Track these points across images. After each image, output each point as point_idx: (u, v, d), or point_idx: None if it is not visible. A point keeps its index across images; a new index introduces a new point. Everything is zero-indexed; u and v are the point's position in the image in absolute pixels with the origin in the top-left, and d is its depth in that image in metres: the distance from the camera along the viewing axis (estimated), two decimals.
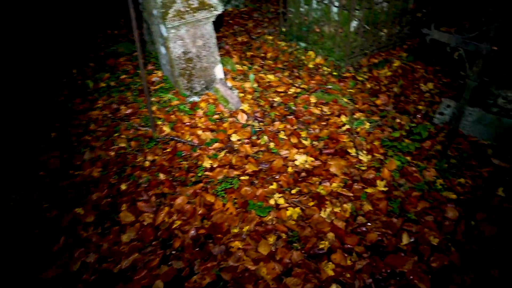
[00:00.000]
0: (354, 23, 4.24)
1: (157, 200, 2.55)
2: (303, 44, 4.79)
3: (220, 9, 3.27)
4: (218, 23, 5.85)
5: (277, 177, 2.72)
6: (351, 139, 3.02)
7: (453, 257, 2.07)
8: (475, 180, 2.61)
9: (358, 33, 4.15)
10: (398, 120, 3.37)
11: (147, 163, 2.85)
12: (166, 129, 3.16)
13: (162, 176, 2.72)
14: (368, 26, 4.23)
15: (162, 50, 3.52)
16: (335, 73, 4.21)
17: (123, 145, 3.03)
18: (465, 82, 2.35)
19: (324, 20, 4.38)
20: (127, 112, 3.43)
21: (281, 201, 2.49)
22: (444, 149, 2.63)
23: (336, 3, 4.12)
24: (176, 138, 3.08)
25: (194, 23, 3.22)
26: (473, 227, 2.23)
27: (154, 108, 3.39)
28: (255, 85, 3.91)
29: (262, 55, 4.84)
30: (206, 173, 2.76)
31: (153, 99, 3.51)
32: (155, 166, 2.83)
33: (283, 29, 5.07)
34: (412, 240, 2.19)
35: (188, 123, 3.25)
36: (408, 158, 2.77)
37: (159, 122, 3.24)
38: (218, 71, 3.59)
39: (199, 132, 3.15)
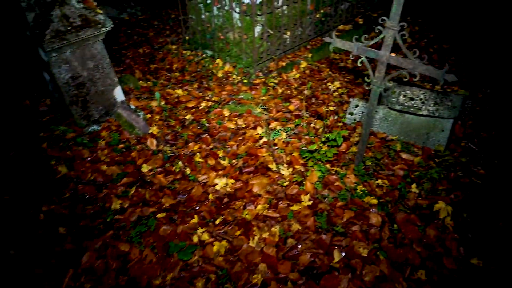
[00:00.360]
0: (258, 28, 4.13)
1: (57, 262, 2.12)
2: (209, 52, 4.56)
3: (108, 25, 2.87)
4: (115, 34, 5.32)
5: (197, 207, 2.47)
6: (270, 152, 2.89)
7: (382, 266, 2.05)
8: (391, 179, 2.67)
9: (263, 38, 4.06)
10: (312, 125, 3.35)
11: (41, 216, 2.38)
12: (62, 170, 2.69)
13: (61, 230, 2.29)
14: (272, 30, 4.16)
15: (46, 76, 3.00)
16: (245, 81, 4.07)
17: None
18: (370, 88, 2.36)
19: (227, 27, 4.20)
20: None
21: (205, 236, 2.26)
22: (360, 153, 2.64)
23: (237, 9, 3.96)
24: (75, 180, 2.63)
25: (80, 44, 2.78)
26: (396, 230, 2.26)
27: (44, 145, 2.87)
28: (163, 103, 3.58)
29: (168, 66, 4.50)
30: (117, 216, 2.39)
31: (41, 134, 2.98)
32: (51, 219, 2.38)
33: (187, 37, 4.77)
34: (343, 255, 2.13)
35: (89, 158, 2.82)
36: (328, 165, 2.74)
37: (53, 162, 2.75)
38: (118, 94, 3.18)
39: (104, 167, 2.74)
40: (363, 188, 2.51)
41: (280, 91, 3.96)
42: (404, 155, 2.98)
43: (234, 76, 4.14)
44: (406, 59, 2.10)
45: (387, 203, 2.43)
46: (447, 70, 1.97)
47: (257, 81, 4.09)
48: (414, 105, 2.94)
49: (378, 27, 2.13)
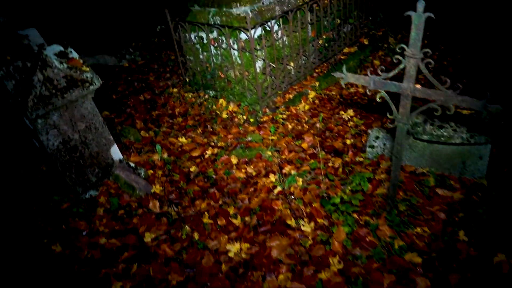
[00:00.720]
0: (259, 63, 3.87)
1: None
2: (212, 93, 4.31)
3: (97, 83, 2.63)
4: (115, 83, 5.15)
5: (209, 283, 2.10)
6: (287, 205, 2.53)
7: None
8: (430, 224, 2.27)
9: (265, 73, 3.78)
10: (330, 164, 2.99)
11: None
12: (57, 248, 2.38)
13: None
14: (274, 63, 3.89)
15: (36, 143, 2.75)
16: (252, 120, 3.76)
17: None
18: (395, 126, 2.01)
19: (227, 65, 3.94)
20: None
21: None
22: (391, 199, 2.26)
23: (235, 46, 3.71)
24: (71, 259, 2.31)
25: (67, 106, 2.53)
26: None
27: (39, 221, 2.58)
28: (165, 154, 3.29)
29: (170, 112, 4.25)
30: None
31: (34, 208, 2.70)
32: None
33: (187, 79, 4.54)
34: None
35: (85, 231, 2.50)
36: (355, 215, 2.35)
37: (46, 241, 2.44)
38: (115, 153, 2.90)
39: (102, 240, 2.42)
40: (401, 243, 2.11)
41: (290, 127, 3.63)
42: (440, 191, 2.57)
43: (240, 116, 3.85)
44: (436, 90, 1.75)
45: (433, 259, 2.02)
46: (489, 99, 1.61)
47: (265, 118, 3.78)
48: (445, 133, 2.56)
49: (397, 56, 1.80)
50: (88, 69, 2.62)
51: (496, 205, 2.34)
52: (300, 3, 3.90)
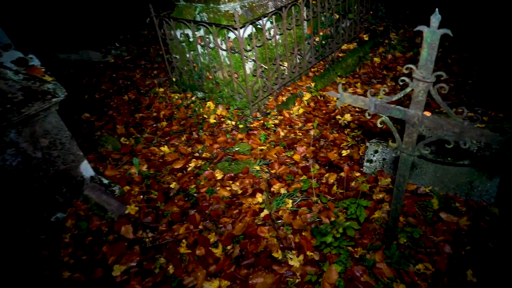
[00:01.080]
0: (249, 64, 3.52)
1: None
2: (200, 94, 3.96)
3: (61, 94, 2.29)
4: (99, 81, 4.79)
5: None
6: (274, 233, 2.23)
7: None
8: (434, 259, 1.98)
9: (256, 75, 3.43)
10: (324, 180, 2.69)
11: None
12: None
13: None
14: (266, 64, 3.53)
15: None
16: (241, 126, 3.44)
17: None
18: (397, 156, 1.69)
19: (215, 66, 3.59)
20: None
21: None
22: (390, 231, 1.96)
23: (224, 46, 3.36)
24: None
25: (26, 121, 2.21)
26: None
27: None
28: (145, 167, 2.98)
29: (154, 114, 3.92)
30: None
31: None
32: None
33: (174, 79, 4.19)
34: None
35: (46, 263, 2.21)
36: (350, 248, 2.06)
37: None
38: (86, 169, 2.59)
39: (66, 274, 2.13)
40: (401, 286, 1.82)
41: (282, 134, 3.31)
42: (444, 216, 2.28)
43: (228, 122, 3.51)
44: (450, 120, 1.43)
45: None
46: None
47: (255, 124, 3.46)
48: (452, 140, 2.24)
49: (403, 78, 1.46)
50: (50, 78, 2.28)
51: (508, 237, 2.05)
52: None
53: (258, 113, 3.61)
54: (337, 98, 1.72)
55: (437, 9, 1.24)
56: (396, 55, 4.59)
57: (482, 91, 3.54)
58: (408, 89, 1.46)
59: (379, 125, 1.65)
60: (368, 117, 1.69)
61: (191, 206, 2.55)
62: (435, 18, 1.23)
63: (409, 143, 1.60)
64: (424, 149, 1.55)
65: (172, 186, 2.74)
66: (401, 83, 1.48)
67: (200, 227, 2.37)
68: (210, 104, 3.76)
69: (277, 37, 3.51)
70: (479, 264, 1.93)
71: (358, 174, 2.73)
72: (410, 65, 1.41)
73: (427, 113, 1.49)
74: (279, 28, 3.47)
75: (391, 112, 1.57)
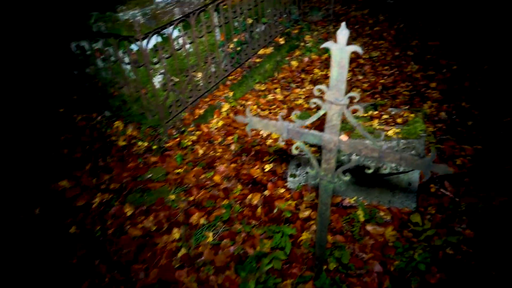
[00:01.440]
0: (158, 78, 3.14)
1: None
2: (107, 113, 3.46)
3: None
4: None
5: None
6: (193, 276, 1.92)
7: None
8: (365, 281, 1.84)
9: (167, 89, 3.06)
10: (247, 201, 2.44)
11: None
12: None
13: None
14: (177, 76, 3.18)
15: None
16: (154, 147, 3.04)
17: None
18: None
19: (119, 81, 3.14)
20: None
21: None
22: (318, 259, 1.77)
23: (127, 59, 2.93)
24: None
25: None
26: None
27: None
28: (37, 210, 2.44)
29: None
30: None
31: None
32: None
33: (74, 97, 3.62)
34: None
35: None
36: (279, 280, 1.83)
37: None
38: None
39: None
40: None
41: (201, 151, 3.00)
42: (371, 228, 2.19)
43: (140, 143, 3.09)
44: (368, 143, 1.26)
45: None
46: (435, 159, 1.15)
47: (171, 143, 3.09)
48: (372, 164, 2.14)
49: (315, 100, 1.25)
50: None
51: (432, 246, 2.00)
52: (205, 3, 3.21)
53: (173, 130, 3.24)
54: (246, 124, 1.46)
55: (344, 23, 1.04)
56: (312, 58, 4.55)
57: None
58: (321, 112, 1.25)
59: (294, 152, 1.43)
60: (282, 144, 1.46)
61: (95, 254, 2.11)
62: (342, 34, 1.02)
63: (328, 170, 1.40)
64: (345, 175, 1.36)
65: (71, 231, 2.27)
66: (312, 106, 1.27)
67: (106, 280, 1.96)
68: (118, 123, 3.30)
69: (187, 46, 3.18)
70: (408, 281, 1.84)
71: (282, 190, 2.53)
72: (321, 86, 1.20)
73: (344, 137, 1.30)
74: (189, 37, 3.15)
75: (306, 137, 1.36)
